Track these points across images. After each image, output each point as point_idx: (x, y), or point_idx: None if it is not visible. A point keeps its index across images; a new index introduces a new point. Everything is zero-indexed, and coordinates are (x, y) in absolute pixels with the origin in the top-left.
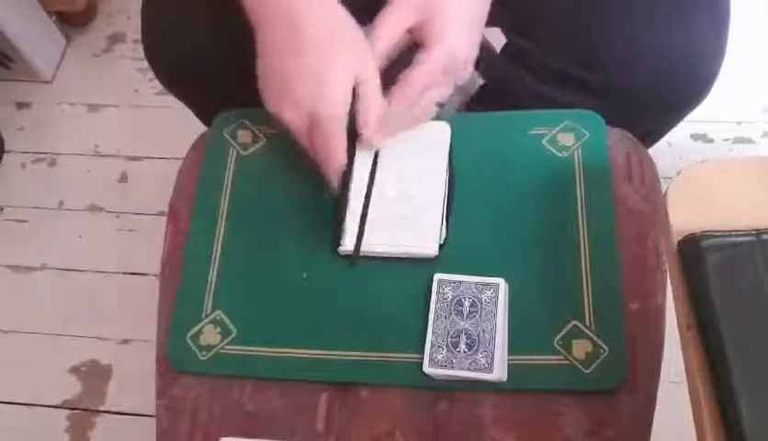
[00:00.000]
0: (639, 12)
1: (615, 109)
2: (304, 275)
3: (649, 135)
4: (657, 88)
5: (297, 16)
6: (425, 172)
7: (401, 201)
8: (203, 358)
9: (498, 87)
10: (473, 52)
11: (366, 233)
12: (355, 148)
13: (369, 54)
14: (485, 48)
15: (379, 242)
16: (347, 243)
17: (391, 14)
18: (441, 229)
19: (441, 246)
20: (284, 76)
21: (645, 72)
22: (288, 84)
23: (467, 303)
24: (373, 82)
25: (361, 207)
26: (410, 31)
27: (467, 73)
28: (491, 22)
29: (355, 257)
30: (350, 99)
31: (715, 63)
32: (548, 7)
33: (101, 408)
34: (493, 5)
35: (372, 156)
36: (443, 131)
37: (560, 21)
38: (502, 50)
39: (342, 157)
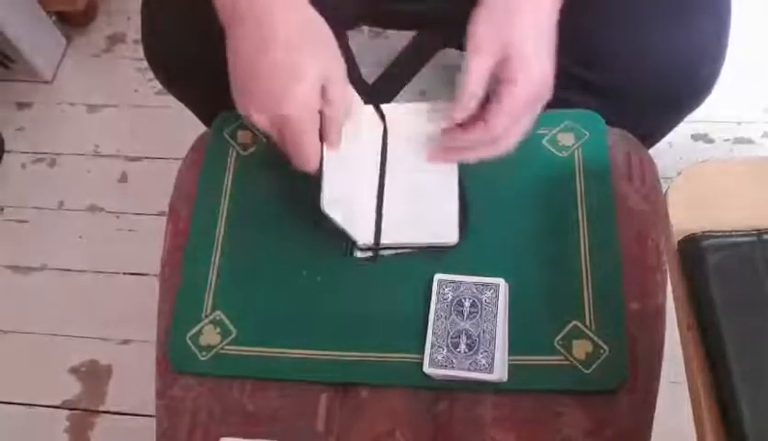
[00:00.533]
0: (640, 12)
1: (615, 109)
2: (304, 274)
3: (650, 135)
4: (658, 89)
5: (266, 14)
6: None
7: (415, 193)
8: (203, 359)
9: None
10: (552, 83)
11: (384, 227)
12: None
13: (338, 55)
14: None
15: (399, 234)
16: (364, 238)
17: (473, 58)
18: (458, 215)
19: (460, 233)
20: (252, 76)
21: (646, 72)
22: (255, 83)
23: (467, 303)
24: (340, 83)
25: (375, 202)
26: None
27: (544, 103)
28: None
29: (376, 252)
30: (318, 99)
31: (716, 64)
32: None
33: (101, 408)
34: None
35: (380, 151)
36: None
37: (561, 21)
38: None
39: (314, 157)
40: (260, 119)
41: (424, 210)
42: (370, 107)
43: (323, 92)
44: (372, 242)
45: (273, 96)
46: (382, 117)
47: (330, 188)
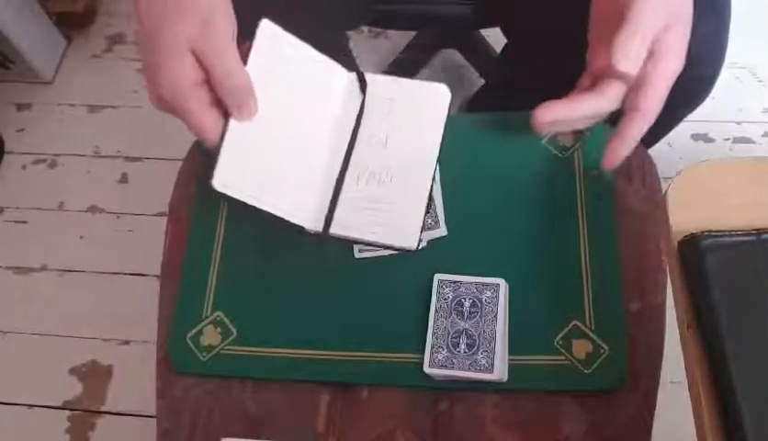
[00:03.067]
0: None
1: (615, 112)
2: (305, 275)
3: (649, 136)
4: None
5: None
6: (414, 146)
7: (382, 179)
8: (203, 359)
9: (498, 87)
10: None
11: (337, 216)
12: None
13: (215, 23)
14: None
15: (352, 224)
16: (313, 221)
17: (631, 37)
18: (424, 218)
19: (420, 239)
20: (140, 51)
21: None
22: (142, 60)
23: (467, 303)
24: (215, 50)
25: (334, 180)
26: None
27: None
28: (491, 23)
29: (324, 238)
30: (192, 71)
31: (715, 65)
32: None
33: (101, 409)
34: (493, 6)
35: (353, 123)
36: (441, 99)
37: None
38: (502, 51)
39: (209, 133)
40: (150, 98)
41: (387, 206)
42: (349, 75)
43: (200, 62)
44: (320, 229)
45: (148, 73)
46: (363, 87)
47: (231, 166)
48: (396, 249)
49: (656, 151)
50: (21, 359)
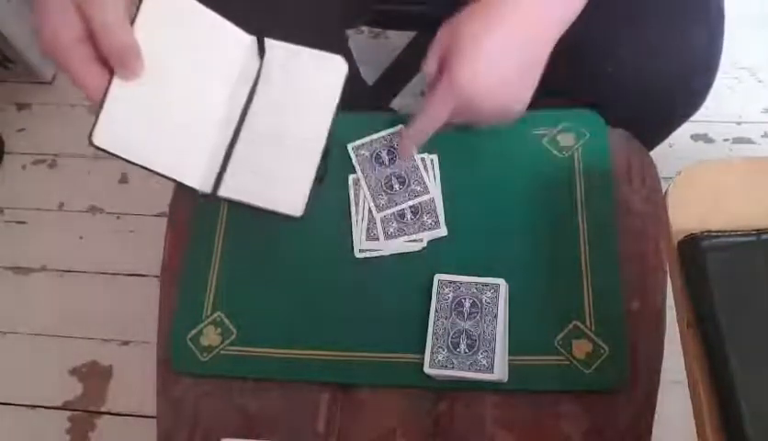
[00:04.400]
0: (633, 24)
1: (608, 121)
2: (304, 275)
3: (647, 141)
4: (651, 100)
5: None
6: (308, 115)
7: (274, 145)
8: (204, 359)
9: None
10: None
11: (227, 175)
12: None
13: None
14: None
15: (241, 187)
16: (201, 182)
17: (431, 49)
18: (311, 184)
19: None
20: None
21: (639, 84)
22: (33, 12)
23: (467, 304)
24: (94, 10)
25: (227, 140)
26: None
27: (513, 115)
28: None
29: (212, 199)
30: (74, 27)
31: (709, 74)
32: None
33: (102, 409)
34: None
35: (249, 87)
36: (337, 70)
37: None
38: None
39: (92, 90)
40: (40, 52)
41: (277, 171)
42: (250, 39)
43: (83, 17)
44: (209, 190)
45: (36, 27)
46: (261, 52)
47: (114, 123)
48: (281, 215)
49: (656, 151)
50: (21, 359)
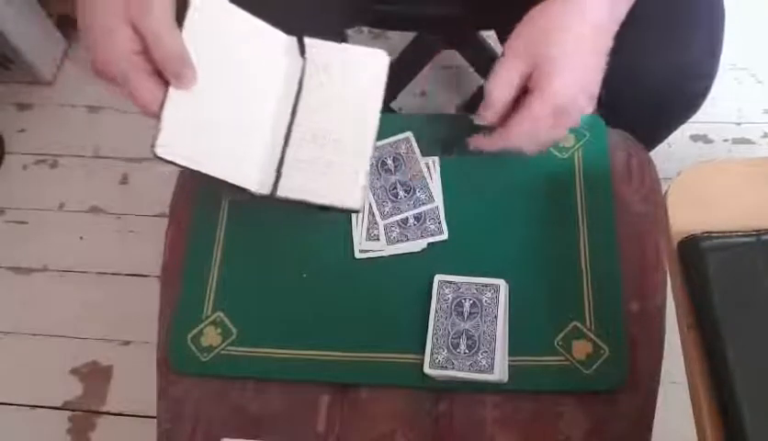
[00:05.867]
0: (633, 30)
1: (611, 122)
2: (304, 275)
3: (647, 142)
4: (650, 105)
5: None
6: (355, 109)
7: (326, 141)
8: (204, 360)
9: None
10: (586, 96)
11: (284, 173)
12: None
13: None
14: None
15: (297, 186)
16: (259, 184)
17: (502, 65)
18: (367, 176)
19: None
20: (79, 22)
21: (638, 89)
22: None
23: (467, 304)
24: (149, 18)
25: (280, 141)
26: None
27: (584, 113)
28: (489, 25)
29: (272, 200)
30: (130, 43)
31: (708, 79)
32: None
33: (102, 409)
34: (495, 10)
35: (296, 86)
36: (380, 63)
37: None
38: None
39: (150, 105)
40: (92, 69)
41: (331, 167)
42: (289, 39)
43: (136, 32)
44: (268, 191)
45: (88, 43)
46: (302, 51)
47: (173, 132)
48: (341, 210)
49: (656, 151)
50: (22, 359)
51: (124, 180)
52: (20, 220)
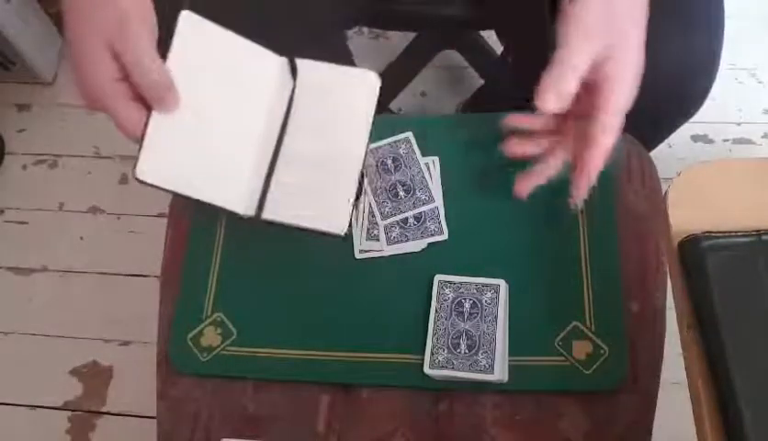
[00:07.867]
0: None
1: None
2: (305, 275)
3: (647, 142)
4: (650, 104)
5: None
6: (344, 132)
7: (313, 164)
8: (204, 360)
9: (498, 88)
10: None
11: (269, 197)
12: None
13: (130, 19)
14: (488, 51)
15: (283, 209)
16: (245, 206)
17: (580, 45)
18: (353, 202)
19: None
20: (66, 49)
21: (640, 91)
22: (70, 58)
23: (467, 304)
24: (129, 44)
25: (267, 163)
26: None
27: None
28: (489, 25)
29: (256, 222)
30: (110, 69)
31: (708, 78)
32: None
33: (102, 409)
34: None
35: (284, 108)
36: (370, 85)
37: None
38: (502, 53)
39: (132, 129)
40: (80, 96)
41: (317, 191)
42: (280, 61)
43: (117, 58)
44: (252, 213)
45: (73, 71)
46: (293, 72)
47: (154, 156)
48: (325, 235)
49: (656, 151)
50: (22, 360)
51: (124, 180)
52: (20, 221)
